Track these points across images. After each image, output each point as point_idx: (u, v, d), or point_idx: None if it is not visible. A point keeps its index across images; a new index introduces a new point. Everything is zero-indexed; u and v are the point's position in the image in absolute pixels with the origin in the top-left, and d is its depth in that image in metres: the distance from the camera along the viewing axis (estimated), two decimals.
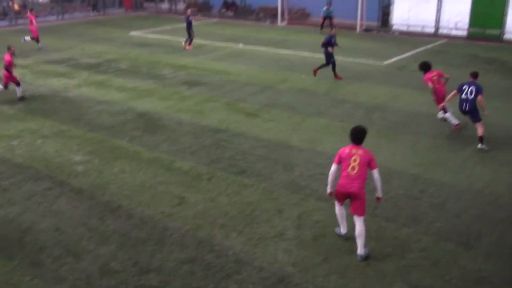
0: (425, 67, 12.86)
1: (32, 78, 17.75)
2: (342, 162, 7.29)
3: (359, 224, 7.25)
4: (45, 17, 34.05)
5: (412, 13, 27.31)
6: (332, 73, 17.39)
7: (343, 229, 7.78)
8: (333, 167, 7.39)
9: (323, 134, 12.21)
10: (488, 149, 11.15)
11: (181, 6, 39.57)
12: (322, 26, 27.80)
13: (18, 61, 17.09)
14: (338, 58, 17.88)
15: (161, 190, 9.41)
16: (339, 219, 7.73)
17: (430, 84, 12.51)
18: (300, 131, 12.47)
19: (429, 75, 12.65)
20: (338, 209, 7.64)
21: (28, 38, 23.32)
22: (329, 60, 17.17)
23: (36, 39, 23.18)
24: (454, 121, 12.46)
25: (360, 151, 7.26)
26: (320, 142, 11.68)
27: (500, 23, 25.06)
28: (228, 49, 23.30)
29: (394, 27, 28.02)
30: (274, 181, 9.74)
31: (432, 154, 11.05)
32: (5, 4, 34.32)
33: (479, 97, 11.17)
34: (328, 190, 7.58)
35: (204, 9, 36.49)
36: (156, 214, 8.53)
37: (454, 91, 11.67)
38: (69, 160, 10.76)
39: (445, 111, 12.57)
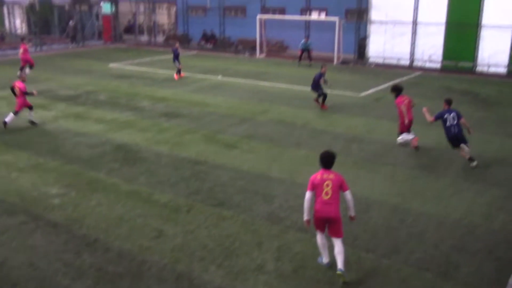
0: (397, 90, 13.58)
1: (9, 110, 17.48)
2: (315, 188, 7.42)
3: (338, 244, 7.41)
4: None
5: (388, 46, 27.97)
6: (312, 104, 17.66)
7: (325, 259, 7.77)
8: (308, 195, 7.49)
9: (302, 165, 12.25)
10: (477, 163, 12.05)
11: (160, 38, 39.91)
12: (300, 58, 28.27)
13: None
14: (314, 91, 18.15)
15: (139, 223, 9.28)
16: (321, 249, 7.75)
17: (402, 107, 13.11)
18: (280, 162, 12.50)
19: (400, 98, 13.36)
20: (320, 238, 7.67)
21: (28, 70, 23.83)
22: (321, 91, 17.60)
23: (26, 67, 23.87)
24: (411, 136, 13.22)
25: (331, 176, 7.44)
26: (300, 173, 11.70)
27: (472, 56, 25.82)
28: (207, 81, 23.46)
29: (370, 60, 28.61)
30: (253, 213, 9.69)
31: (410, 184, 11.16)
32: None
33: (462, 120, 12.18)
34: (305, 217, 7.62)
35: (184, 41, 36.79)
36: (134, 248, 8.39)
37: (432, 118, 12.49)
38: (45, 193, 10.58)
39: (401, 133, 13.44)
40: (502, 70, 25.27)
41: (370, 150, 13.48)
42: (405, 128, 13.32)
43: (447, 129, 12.17)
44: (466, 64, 26.03)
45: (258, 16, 31.81)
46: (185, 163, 12.40)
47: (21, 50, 24.26)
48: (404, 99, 13.31)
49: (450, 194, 10.63)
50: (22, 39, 26.12)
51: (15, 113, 15.32)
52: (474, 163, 12.08)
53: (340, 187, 7.40)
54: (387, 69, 27.07)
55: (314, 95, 18.23)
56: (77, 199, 10.31)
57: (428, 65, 27.05)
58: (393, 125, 15.47)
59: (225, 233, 8.90)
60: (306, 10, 31.98)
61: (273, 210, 9.81)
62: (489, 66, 25.54)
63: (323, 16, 32.01)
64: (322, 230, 7.59)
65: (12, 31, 40.12)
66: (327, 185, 7.33)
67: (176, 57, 23.69)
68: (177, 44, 24.66)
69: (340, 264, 7.32)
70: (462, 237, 8.79)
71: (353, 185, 10.73)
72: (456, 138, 12.11)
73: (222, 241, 8.60)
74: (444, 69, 26.45)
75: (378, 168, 12.12)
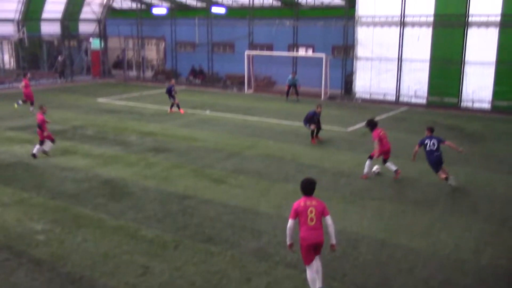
0: (373, 124, 14.07)
1: None
2: (299, 215, 7.60)
3: (317, 261, 7.74)
4: (10, 83, 33.92)
5: (374, 81, 28.40)
6: (300, 139, 17.82)
7: None
8: (291, 223, 7.66)
9: (291, 199, 12.09)
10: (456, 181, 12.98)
11: (149, 73, 40.18)
12: (288, 94, 28.55)
13: None
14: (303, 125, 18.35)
15: (125, 259, 9.13)
16: (311, 284, 7.72)
17: (377, 141, 13.73)
18: (268, 197, 12.46)
19: (376, 131, 13.88)
20: (310, 273, 7.70)
21: (21, 102, 24.57)
22: (308, 125, 18.11)
23: (30, 102, 24.41)
24: (374, 169, 14.20)
25: (314, 202, 7.66)
26: (288, 208, 11.52)
27: (457, 91, 26.24)
28: (195, 115, 23.54)
29: (357, 95, 28.97)
30: (241, 249, 9.59)
31: (398, 219, 11.15)
32: None
33: (447, 143, 13.31)
34: (288, 242, 7.79)
35: (172, 77, 37.05)
36: (119, 285, 8.22)
37: (417, 147, 13.46)
38: (30, 229, 10.40)
39: (370, 157, 14.02)
40: (487, 105, 25.69)
41: (358, 184, 13.50)
42: (378, 156, 13.94)
43: (428, 154, 13.16)
44: (451, 100, 26.45)
45: (246, 52, 32.23)
46: (173, 198, 12.31)
47: (23, 84, 24.98)
48: (379, 131, 13.89)
49: (438, 228, 10.63)
50: (25, 74, 26.95)
51: (52, 141, 16.17)
52: (451, 178, 12.99)
53: (322, 213, 7.63)
54: (373, 104, 27.40)
55: (305, 129, 18.42)
56: (62, 235, 10.15)
57: (414, 100, 27.44)
58: (380, 160, 15.58)
59: (213, 269, 8.78)
60: (293, 46, 32.49)
61: (261, 246, 9.72)
62: (473, 101, 25.96)
63: (310, 53, 32.55)
64: (311, 260, 7.66)
65: (0, 66, 40.14)
66: (311, 212, 7.55)
67: (169, 93, 24.09)
68: (173, 81, 25.31)
69: (319, 282, 7.67)
70: (451, 272, 8.75)
71: (341, 220, 10.73)
72: (439, 162, 13.11)
73: (210, 278, 8.48)
74: (430, 104, 26.83)
75: (366, 203, 12.12)
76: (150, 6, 38.76)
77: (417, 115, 24.30)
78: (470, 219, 11.16)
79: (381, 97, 28.23)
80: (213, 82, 35.40)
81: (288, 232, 7.69)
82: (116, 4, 40.53)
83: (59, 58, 38.21)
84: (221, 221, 10.89)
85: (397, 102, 27.63)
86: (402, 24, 27.11)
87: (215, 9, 34.65)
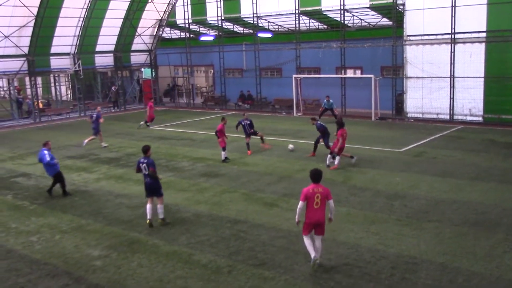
0: (341, 123, 17.34)
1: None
2: (308, 199, 9.27)
3: (319, 240, 9.57)
4: (67, 114, 35.31)
5: (426, 100, 27.77)
6: (347, 162, 17.62)
7: (312, 253, 9.40)
8: (301, 204, 9.38)
9: (343, 223, 11.97)
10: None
11: (198, 100, 40.89)
12: (320, 115, 28.10)
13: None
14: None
15: (180, 284, 9.14)
16: (308, 247, 9.47)
17: (340, 139, 16.87)
18: None
19: (341, 131, 16.97)
20: (306, 239, 9.48)
21: (142, 123, 28.89)
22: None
23: (148, 121, 28.72)
24: (290, 147, 18.92)
25: (320, 189, 9.39)
26: (341, 231, 11.42)
27: None
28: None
29: (409, 115, 28.37)
30: (295, 273, 9.43)
31: (458, 242, 10.69)
32: (30, 102, 35.83)
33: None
34: (297, 219, 9.55)
35: (221, 103, 37.59)
36: None
37: (342, 131, 17.09)
38: (87, 255, 10.62)
39: (331, 152, 17.33)
40: None
41: (414, 206, 13.09)
42: (339, 152, 17.02)
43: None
44: (509, 117, 25.43)
45: (294, 76, 32.31)
46: (225, 223, 12.31)
47: (148, 108, 28.87)
48: (343, 131, 16.91)
49: (502, 251, 10.11)
50: (150, 98, 31.75)
51: (223, 149, 19.08)
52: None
53: (326, 197, 9.36)
54: (427, 123, 26.74)
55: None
56: (119, 260, 10.30)
57: (469, 118, 26.59)
58: (436, 181, 15.13)
59: None
60: (341, 68, 32.29)
61: (315, 270, 9.51)
62: None
63: (358, 74, 32.27)
64: (309, 233, 9.47)
65: (58, 98, 41.88)
66: (317, 197, 9.28)
67: (241, 126, 21.23)
68: (245, 115, 22.27)
69: (317, 254, 9.46)
70: None
71: (398, 244, 10.42)
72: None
73: None
74: (486, 122, 25.90)
75: (423, 225, 11.71)
76: (198, 34, 39.68)
77: (473, 133, 23.50)
78: None
79: (434, 116, 27.53)
80: (262, 107, 35.62)
81: (298, 211, 9.42)
82: (166, 34, 41.73)
83: (113, 88, 39.55)
84: (273, 246, 10.77)
85: (451, 121, 26.87)
86: (453, 41, 26.50)
87: (262, 35, 35.05)
